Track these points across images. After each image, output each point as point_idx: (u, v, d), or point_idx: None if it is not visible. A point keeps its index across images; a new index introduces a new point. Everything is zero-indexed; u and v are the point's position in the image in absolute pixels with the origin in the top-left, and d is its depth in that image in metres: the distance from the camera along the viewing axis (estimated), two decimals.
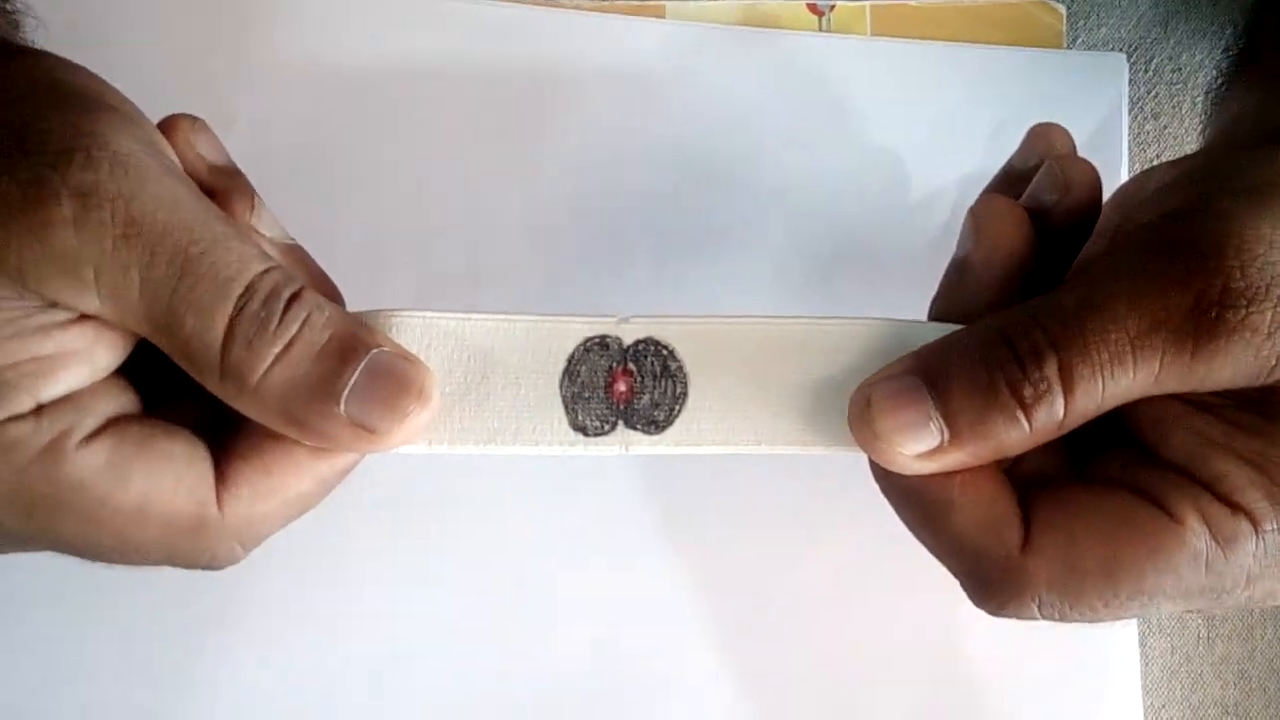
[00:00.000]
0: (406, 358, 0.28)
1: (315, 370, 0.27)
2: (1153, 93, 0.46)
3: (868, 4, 0.45)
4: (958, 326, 0.29)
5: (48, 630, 0.40)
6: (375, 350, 0.27)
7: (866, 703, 0.41)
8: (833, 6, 0.45)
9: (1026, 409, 0.27)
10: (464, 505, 0.41)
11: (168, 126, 0.30)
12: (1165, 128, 0.46)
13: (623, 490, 0.41)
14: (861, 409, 0.28)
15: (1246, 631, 0.42)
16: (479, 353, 0.30)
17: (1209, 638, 0.42)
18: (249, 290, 0.26)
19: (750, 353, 0.30)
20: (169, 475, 0.27)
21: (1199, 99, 0.46)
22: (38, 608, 0.40)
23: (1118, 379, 0.26)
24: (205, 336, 0.26)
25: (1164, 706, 0.42)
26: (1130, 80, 0.46)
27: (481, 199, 0.43)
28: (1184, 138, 0.46)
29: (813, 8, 0.45)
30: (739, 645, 0.41)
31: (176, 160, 0.29)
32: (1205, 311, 0.26)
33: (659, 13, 0.45)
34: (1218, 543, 0.26)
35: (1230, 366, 0.26)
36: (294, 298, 0.27)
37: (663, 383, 0.30)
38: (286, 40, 0.43)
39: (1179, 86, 0.46)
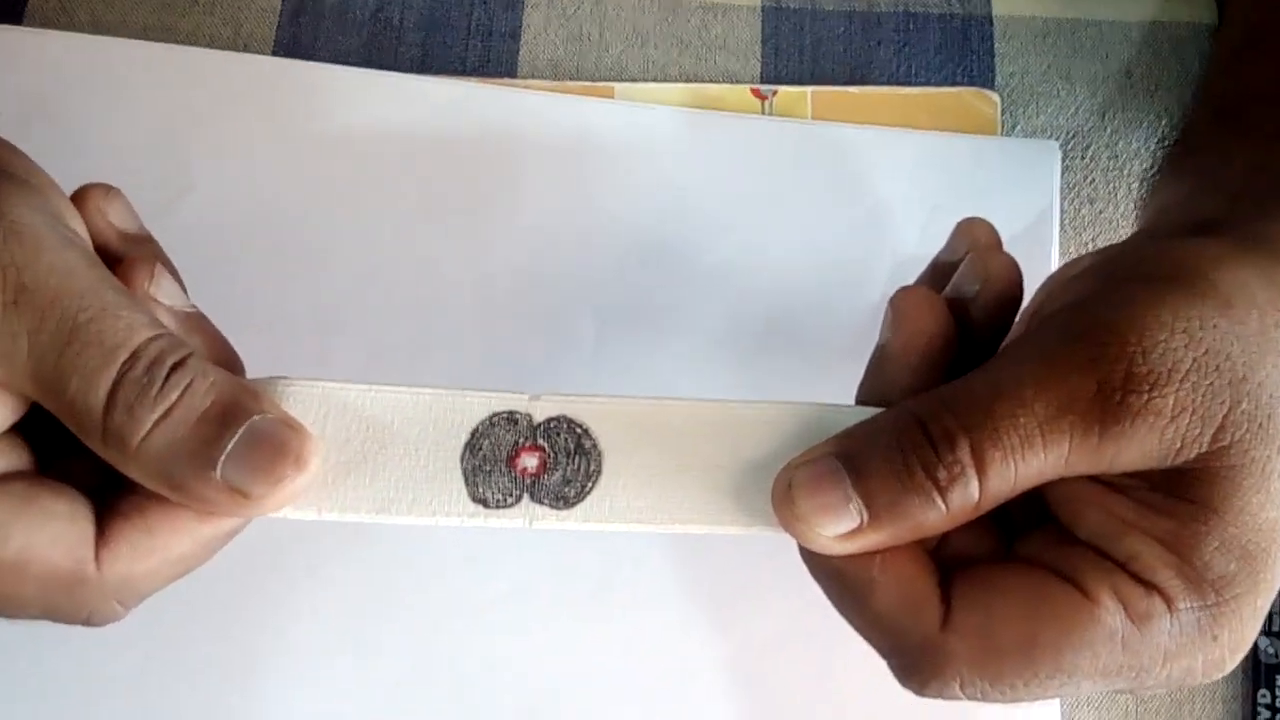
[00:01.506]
0: (288, 424, 0.29)
1: (194, 435, 0.27)
2: (1089, 179, 0.48)
3: (809, 90, 0.47)
4: (879, 410, 0.30)
5: None
6: (256, 416, 0.28)
7: None
8: (775, 92, 0.47)
9: (942, 491, 0.27)
10: (398, 569, 0.42)
11: (79, 196, 0.32)
12: (1101, 212, 0.47)
13: (555, 551, 0.42)
14: (784, 491, 0.29)
15: (1175, 708, 0.43)
16: (378, 424, 0.31)
17: (1137, 713, 0.42)
18: (134, 356, 0.27)
19: (671, 434, 0.31)
20: (48, 533, 0.27)
21: (1134, 185, 0.48)
22: None
23: (1028, 461, 0.27)
24: (88, 400, 0.27)
25: None
26: (1066, 166, 0.47)
27: (430, 270, 0.44)
28: (1119, 222, 0.47)
29: (756, 92, 0.47)
30: (672, 701, 0.41)
31: (82, 229, 0.31)
32: (1109, 396, 0.27)
33: (608, 94, 0.46)
34: (1132, 621, 0.27)
35: (1136, 449, 0.27)
36: (178, 364, 0.28)
37: (576, 460, 0.31)
38: (247, 111, 0.45)
39: (1115, 173, 0.48)
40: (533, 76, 0.47)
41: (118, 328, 0.27)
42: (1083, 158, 0.48)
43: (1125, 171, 0.48)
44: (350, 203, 0.45)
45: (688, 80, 0.47)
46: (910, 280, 0.45)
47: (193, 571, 0.30)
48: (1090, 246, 0.47)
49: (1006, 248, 0.45)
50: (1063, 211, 0.47)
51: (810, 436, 0.30)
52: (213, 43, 0.47)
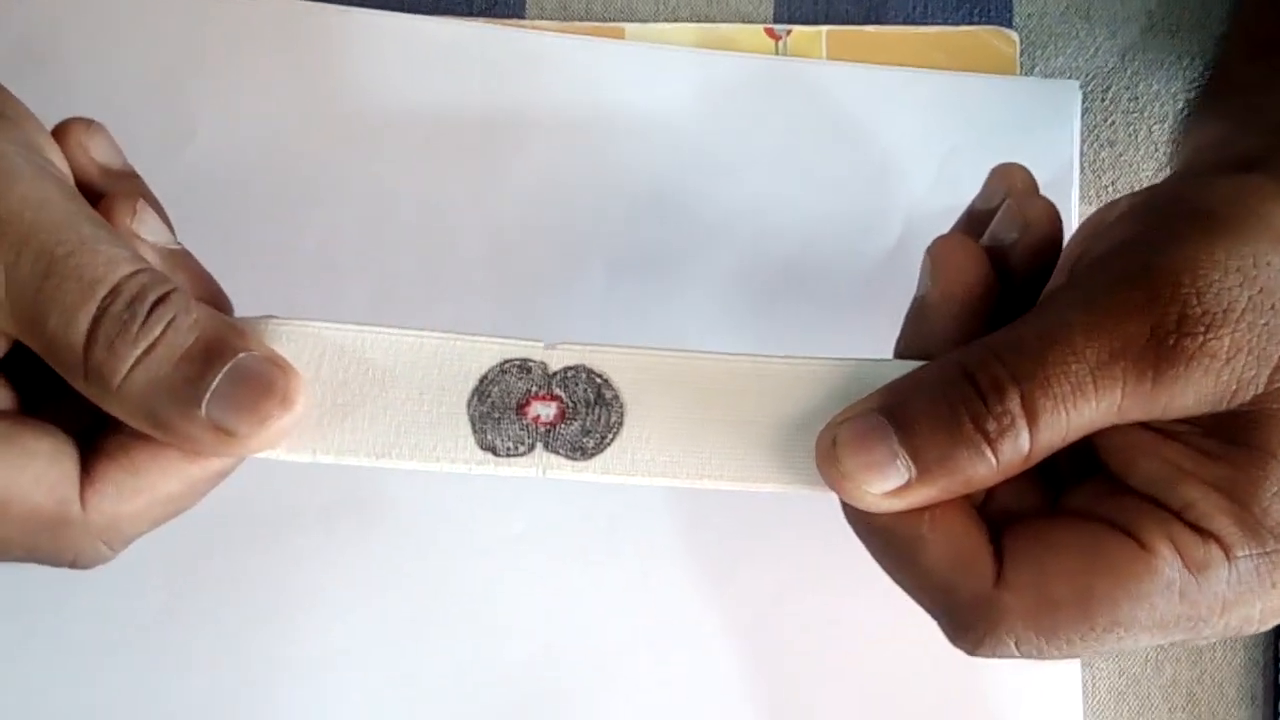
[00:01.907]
0: (274, 361, 0.28)
1: (177, 372, 0.27)
2: (1109, 120, 0.47)
3: (824, 29, 0.46)
4: (921, 363, 0.29)
5: None
6: (242, 354, 0.27)
7: (802, 711, 0.41)
8: (789, 31, 0.46)
9: (991, 443, 0.27)
10: (410, 511, 0.42)
11: (61, 130, 0.31)
12: (1121, 155, 0.47)
13: (570, 496, 0.42)
14: (828, 449, 0.28)
15: (1195, 654, 0.42)
16: (378, 367, 0.30)
17: (1157, 660, 0.42)
18: (114, 292, 0.27)
19: (700, 388, 0.30)
20: (30, 472, 0.27)
21: (1155, 128, 0.47)
22: None
23: (1080, 410, 0.26)
24: (69, 336, 0.26)
25: None
26: (1086, 109, 0.46)
27: (438, 213, 0.44)
28: (1139, 165, 0.47)
29: (770, 32, 0.46)
30: (680, 652, 0.41)
31: (62, 163, 0.30)
32: (1163, 340, 0.26)
33: (619, 34, 0.45)
34: (1190, 570, 0.26)
35: (1191, 393, 0.26)
36: (160, 300, 0.27)
37: (595, 410, 0.30)
38: (251, 54, 0.44)
39: (1135, 115, 0.47)
40: (541, 17, 0.46)
41: (97, 262, 0.27)
42: (1102, 100, 0.47)
43: (1146, 114, 0.47)
44: (357, 146, 0.44)
45: (699, 20, 0.46)
46: (929, 224, 0.44)
47: (182, 513, 0.29)
48: (1110, 190, 0.46)
49: None
50: (1082, 154, 0.46)
51: (851, 392, 0.29)
52: None
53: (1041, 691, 0.41)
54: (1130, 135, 0.47)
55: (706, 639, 0.41)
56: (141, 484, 0.28)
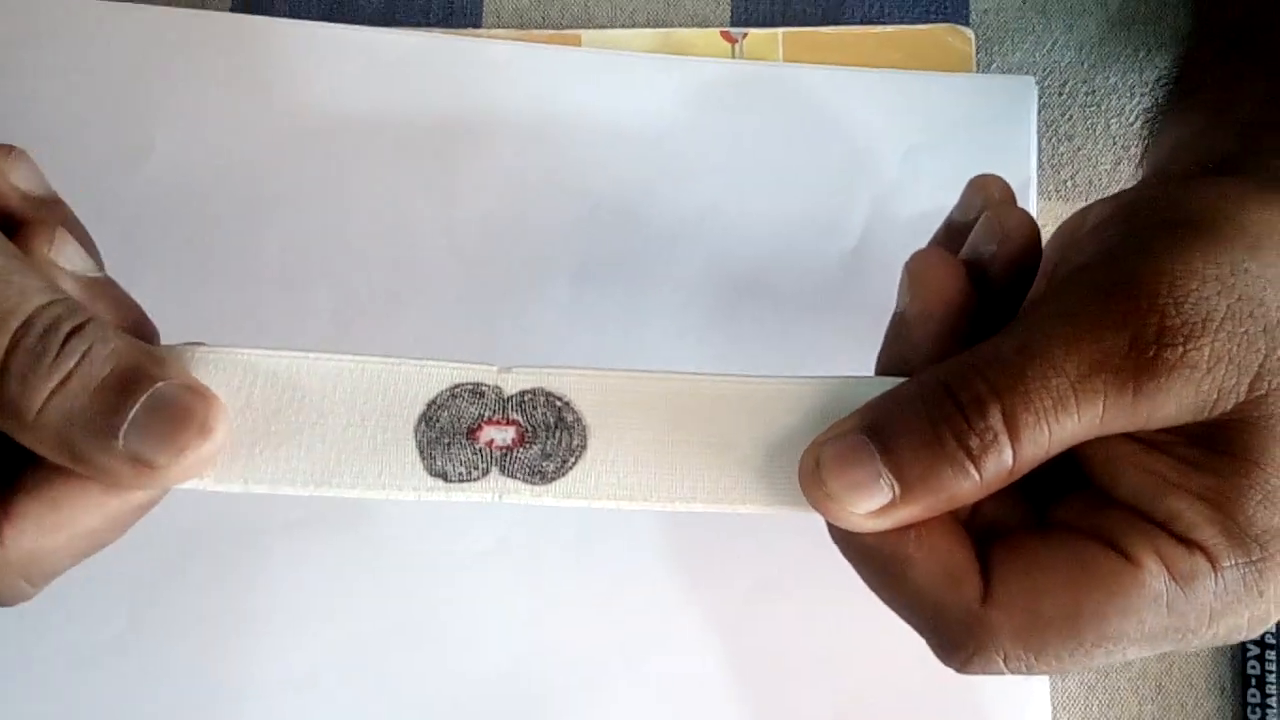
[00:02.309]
0: (193, 389, 0.27)
1: (93, 404, 0.26)
2: (1066, 115, 0.47)
3: (780, 31, 0.46)
4: (901, 380, 0.29)
5: None
6: (160, 383, 0.27)
7: (775, 714, 0.41)
8: (745, 34, 0.46)
9: (974, 459, 0.27)
10: (379, 525, 0.42)
11: None
12: (1079, 149, 0.47)
13: (532, 509, 0.42)
14: (811, 470, 0.28)
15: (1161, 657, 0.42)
16: (315, 393, 0.29)
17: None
18: (27, 324, 0.26)
19: (671, 409, 0.30)
20: None
21: (1113, 121, 0.47)
22: None
23: (1062, 423, 0.26)
24: None
25: None
26: (1043, 104, 0.47)
27: (399, 225, 0.44)
28: (1098, 159, 0.47)
29: (726, 35, 0.46)
30: (655, 660, 0.41)
31: None
32: (1143, 351, 0.26)
33: (575, 41, 0.45)
34: (1177, 583, 0.26)
35: (1173, 404, 0.26)
36: (75, 330, 0.27)
37: (557, 434, 0.29)
38: (207, 69, 0.44)
39: (1093, 109, 0.47)
40: (498, 26, 0.46)
41: (9, 294, 0.26)
42: (1060, 94, 0.47)
43: (1103, 108, 0.47)
44: (317, 159, 0.44)
45: (655, 25, 0.46)
46: (890, 223, 0.45)
47: (104, 547, 0.29)
48: (1069, 184, 0.47)
49: None
50: (1040, 149, 0.46)
51: (831, 411, 0.29)
52: (170, 0, 0.46)
53: (1011, 686, 0.41)
54: (1089, 129, 0.47)
55: (681, 646, 0.41)
56: (61, 519, 0.27)
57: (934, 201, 0.44)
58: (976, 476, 0.27)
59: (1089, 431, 0.27)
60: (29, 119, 0.43)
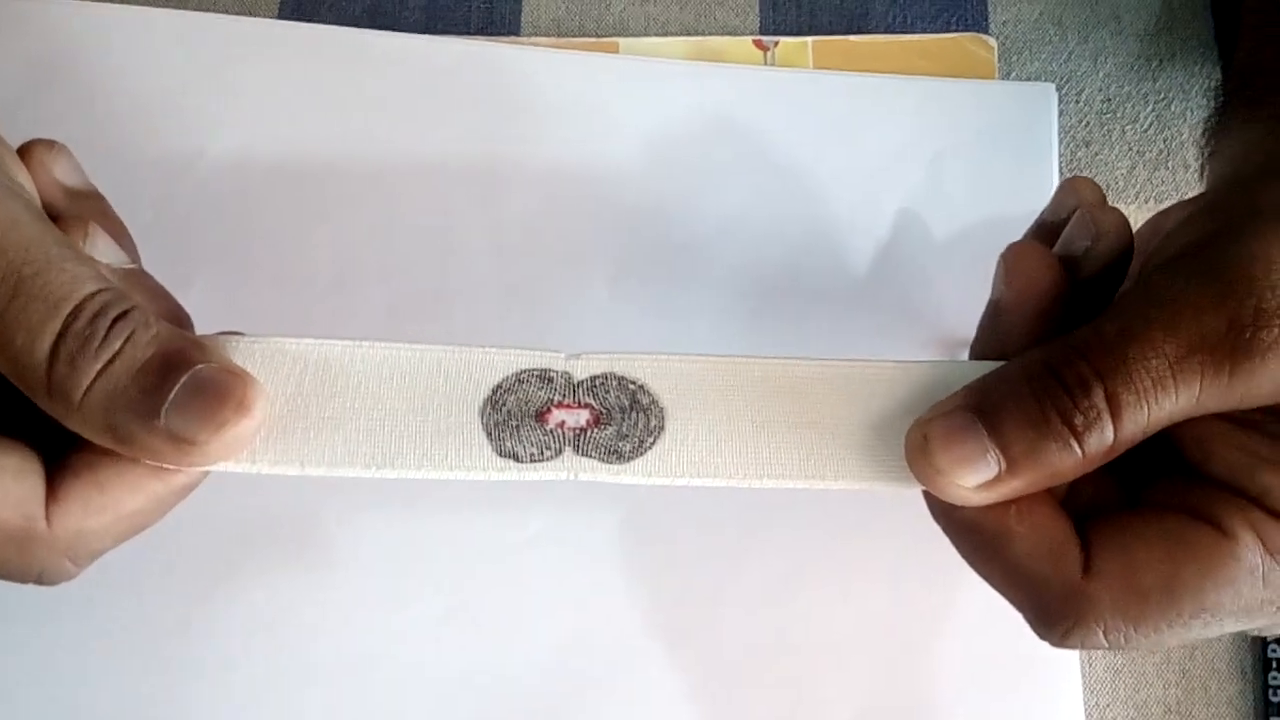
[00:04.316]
0: (231, 370, 0.28)
1: (135, 385, 0.27)
2: (1084, 122, 0.49)
3: (810, 39, 0.47)
4: (999, 363, 0.30)
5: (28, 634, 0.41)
6: (200, 365, 0.28)
7: (811, 699, 0.42)
8: (777, 42, 0.47)
9: (1078, 435, 0.28)
10: (434, 513, 0.43)
11: (25, 151, 0.31)
12: (1097, 154, 0.48)
13: (580, 491, 0.43)
14: (920, 445, 0.29)
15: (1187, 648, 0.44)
16: (372, 380, 0.30)
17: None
18: (77, 309, 0.27)
19: (755, 392, 0.30)
20: None
21: (1127, 127, 0.49)
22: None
23: (1161, 402, 0.27)
24: (33, 355, 0.27)
25: (1108, 706, 0.43)
26: (1061, 110, 0.48)
27: (442, 228, 0.45)
28: (1114, 164, 0.48)
29: (758, 43, 0.47)
30: (695, 641, 0.42)
31: (29, 183, 0.31)
32: (1240, 333, 0.27)
33: (613, 49, 0.47)
34: (1272, 556, 0.27)
35: (1267, 383, 0.27)
36: (121, 316, 0.27)
37: (632, 416, 0.30)
38: (255, 75, 0.45)
39: (1109, 115, 0.49)
40: (536, 34, 0.47)
41: (63, 280, 0.27)
42: (1077, 101, 0.49)
43: (1119, 114, 0.49)
44: (362, 163, 0.45)
45: (689, 34, 0.48)
46: (918, 225, 0.46)
47: (146, 528, 0.29)
48: None
49: (1007, 189, 0.46)
50: (1059, 154, 0.48)
51: (931, 392, 0.30)
52: (218, 8, 0.47)
53: (1041, 671, 0.42)
54: (1105, 135, 0.49)
55: (724, 634, 0.42)
56: (107, 500, 0.28)
57: (960, 203, 0.46)
58: (1079, 452, 0.28)
59: (1186, 411, 0.28)
60: (83, 124, 0.44)
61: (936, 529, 0.31)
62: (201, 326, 0.32)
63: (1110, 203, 0.38)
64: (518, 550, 0.42)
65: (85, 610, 0.41)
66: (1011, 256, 0.32)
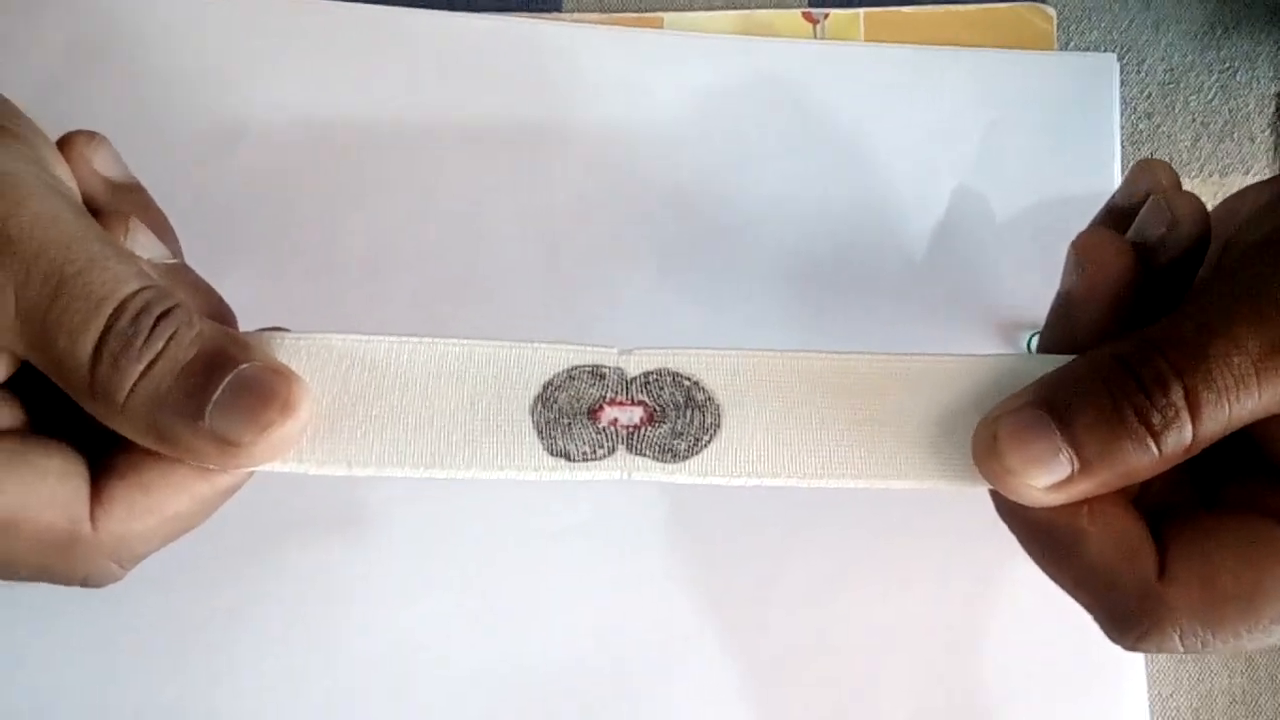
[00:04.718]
0: (275, 370, 0.28)
1: (179, 385, 0.27)
2: (1145, 93, 0.47)
3: (861, 11, 0.46)
4: (1068, 358, 0.29)
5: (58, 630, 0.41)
6: (244, 365, 0.27)
7: (870, 697, 0.41)
8: (827, 15, 0.46)
9: (1155, 435, 0.27)
10: (475, 501, 0.42)
11: (64, 143, 0.31)
12: (1159, 126, 0.47)
13: (622, 485, 0.42)
14: (988, 444, 0.28)
15: None
16: (419, 377, 0.29)
17: None
18: (120, 309, 0.26)
19: (815, 388, 0.29)
20: (41, 491, 0.27)
21: (1191, 98, 0.47)
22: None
23: (1243, 401, 0.26)
24: (76, 355, 0.26)
25: (1172, 695, 0.42)
26: (1122, 81, 0.47)
27: (483, 210, 0.44)
28: (1177, 136, 0.47)
29: (807, 16, 0.46)
30: (736, 639, 0.42)
31: (69, 178, 0.30)
32: None
33: (658, 24, 0.46)
34: None
35: None
36: (164, 315, 0.27)
37: (687, 413, 0.29)
38: (296, 54, 0.45)
39: (1171, 86, 0.47)
40: (579, 10, 0.46)
41: (105, 279, 0.27)
42: (1138, 72, 0.47)
43: (1181, 85, 0.47)
44: (403, 143, 0.44)
45: (736, 8, 0.46)
46: (974, 201, 0.45)
47: (190, 530, 0.29)
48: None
49: (1068, 165, 0.45)
50: (1120, 126, 0.46)
51: (999, 388, 0.29)
52: None
53: (1105, 656, 0.41)
54: (1167, 107, 0.47)
55: (765, 632, 0.42)
56: (152, 502, 0.28)
57: (1019, 179, 0.45)
58: (1156, 452, 0.27)
59: (1267, 409, 0.27)
60: (123, 106, 0.44)
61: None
62: (237, 311, 0.32)
63: None
64: (557, 540, 0.42)
65: (113, 607, 0.41)
66: (1083, 245, 0.30)
